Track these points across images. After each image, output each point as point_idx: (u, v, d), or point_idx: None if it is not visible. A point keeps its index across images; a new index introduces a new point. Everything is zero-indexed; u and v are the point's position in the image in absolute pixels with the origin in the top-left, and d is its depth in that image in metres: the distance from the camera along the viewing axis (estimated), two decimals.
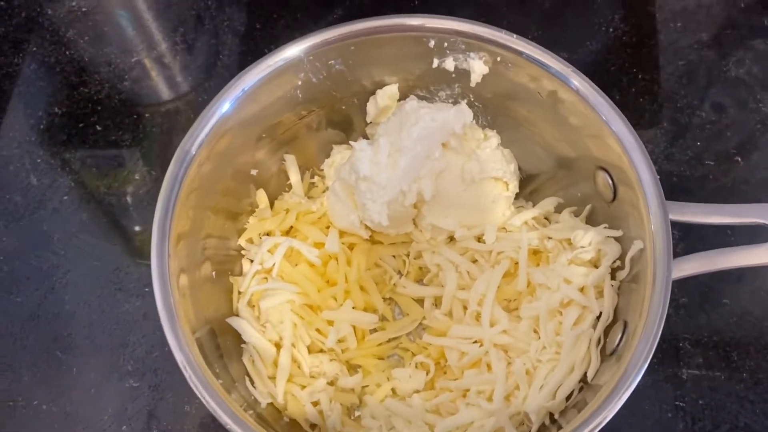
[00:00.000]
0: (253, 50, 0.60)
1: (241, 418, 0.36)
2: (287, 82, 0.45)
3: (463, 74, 0.46)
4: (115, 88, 0.59)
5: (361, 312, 0.46)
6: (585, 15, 0.62)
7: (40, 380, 0.49)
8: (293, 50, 0.42)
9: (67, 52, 0.60)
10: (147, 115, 0.58)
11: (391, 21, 0.43)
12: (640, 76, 0.59)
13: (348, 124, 0.51)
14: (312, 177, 0.52)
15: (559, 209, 0.49)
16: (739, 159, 0.55)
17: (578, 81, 0.42)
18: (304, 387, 0.44)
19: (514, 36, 0.43)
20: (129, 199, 0.55)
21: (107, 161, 0.56)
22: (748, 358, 0.48)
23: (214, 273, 0.45)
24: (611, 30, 0.61)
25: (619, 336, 0.40)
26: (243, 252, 0.49)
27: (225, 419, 0.35)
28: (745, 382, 0.48)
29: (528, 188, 0.51)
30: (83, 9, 0.62)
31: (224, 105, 0.41)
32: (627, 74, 0.59)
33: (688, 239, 0.51)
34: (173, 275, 0.38)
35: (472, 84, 0.46)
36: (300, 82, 0.45)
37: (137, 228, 0.54)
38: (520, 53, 0.43)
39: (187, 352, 0.36)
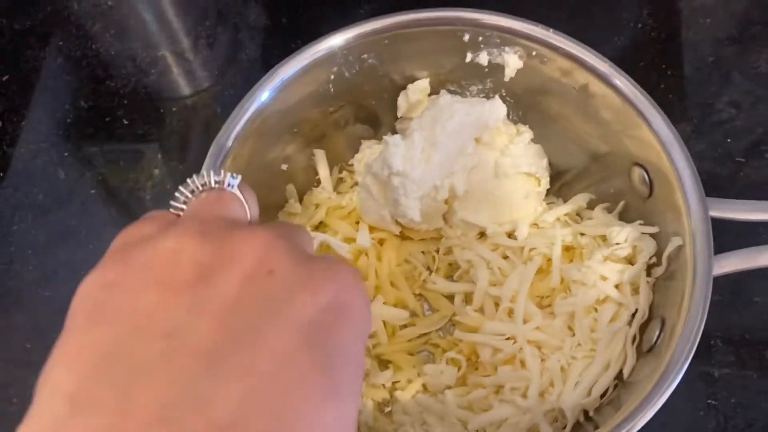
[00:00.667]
0: (278, 45, 0.60)
1: None
2: (320, 76, 0.44)
3: (496, 69, 0.46)
4: (141, 83, 0.59)
5: (392, 307, 0.46)
6: (612, 11, 0.62)
7: None
8: (329, 43, 0.42)
9: (93, 46, 0.60)
10: (174, 108, 0.58)
11: (428, 14, 0.42)
12: (669, 72, 0.58)
13: (377, 119, 0.51)
14: (340, 172, 0.52)
15: (590, 205, 0.48)
16: None
17: (615, 75, 0.42)
18: None
19: (551, 30, 0.42)
20: (155, 192, 0.55)
21: (133, 155, 0.56)
22: None
23: None
24: (639, 26, 0.61)
25: (657, 333, 0.39)
26: None
27: None
28: None
29: (558, 183, 0.51)
30: (109, 3, 0.62)
31: (263, 95, 0.41)
32: (656, 70, 0.59)
33: (719, 237, 0.50)
34: None
35: (506, 79, 0.46)
36: (333, 76, 0.45)
37: None
38: (556, 48, 0.43)
39: None
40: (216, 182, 0.26)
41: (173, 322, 0.20)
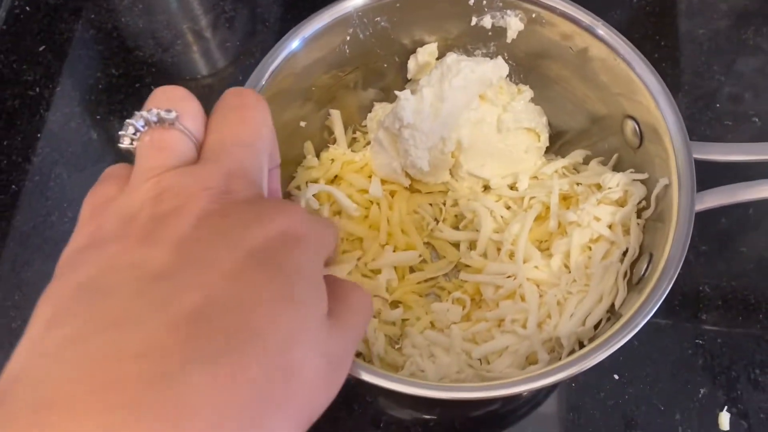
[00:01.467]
0: (297, 19, 0.64)
1: None
2: (337, 37, 0.48)
3: (499, 32, 0.50)
4: (168, 54, 0.63)
5: (403, 252, 0.50)
6: None
7: None
8: (349, 3, 0.46)
9: (123, 20, 0.65)
10: (198, 82, 0.62)
11: None
12: (662, 44, 0.62)
13: (387, 82, 0.55)
14: (354, 132, 0.56)
15: (586, 162, 0.52)
16: (757, 120, 0.58)
17: (609, 35, 0.45)
18: None
19: None
20: None
21: None
22: (764, 300, 0.52)
23: None
24: (635, 1, 0.65)
25: (645, 266, 0.43)
26: (292, 198, 0.52)
27: None
28: (761, 322, 0.51)
29: (557, 144, 0.54)
30: None
31: (285, 52, 0.45)
32: (650, 42, 0.62)
33: (704, 180, 0.54)
34: None
35: (508, 40, 0.50)
36: (348, 38, 0.49)
37: None
38: (554, 9, 0.46)
39: None
40: (155, 121, 0.26)
41: (135, 258, 0.22)
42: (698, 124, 0.58)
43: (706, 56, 0.61)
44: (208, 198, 0.24)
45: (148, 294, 0.21)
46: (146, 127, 0.26)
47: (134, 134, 0.26)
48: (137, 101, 0.60)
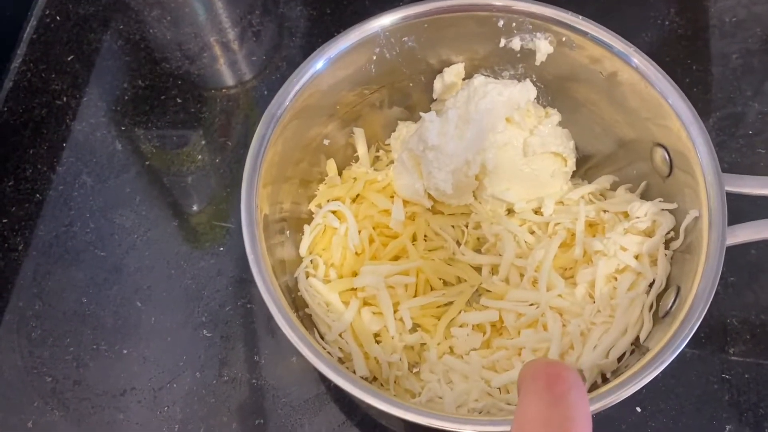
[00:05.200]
0: (323, 34, 0.64)
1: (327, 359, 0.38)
2: (363, 56, 0.48)
3: (528, 54, 0.49)
4: (194, 66, 0.63)
5: (430, 296, 0.49)
6: (641, 8, 0.65)
7: (121, 327, 0.52)
8: (376, 23, 0.46)
9: (151, 31, 0.65)
10: (224, 93, 0.62)
11: (467, 0, 0.46)
12: (694, 68, 0.61)
13: (412, 101, 0.54)
14: (377, 151, 0.56)
15: (614, 187, 0.51)
16: None
17: (640, 61, 0.44)
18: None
19: (580, 17, 0.45)
20: (203, 168, 0.58)
21: (186, 131, 0.60)
22: None
23: (288, 232, 0.49)
24: (666, 23, 0.64)
25: (672, 300, 0.42)
26: (313, 215, 0.52)
27: (313, 358, 0.38)
28: None
29: (584, 167, 0.53)
30: None
31: (311, 70, 0.44)
32: (681, 65, 0.61)
33: (735, 212, 0.52)
34: (259, 231, 0.42)
35: (537, 63, 0.49)
36: (375, 57, 0.48)
37: (213, 195, 0.58)
38: (585, 34, 0.46)
39: (275, 295, 0.39)
40: None
41: None
42: (729, 151, 0.57)
43: (739, 81, 0.60)
44: None
45: None
46: None
47: None
48: (162, 113, 0.61)
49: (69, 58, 0.64)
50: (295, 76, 0.44)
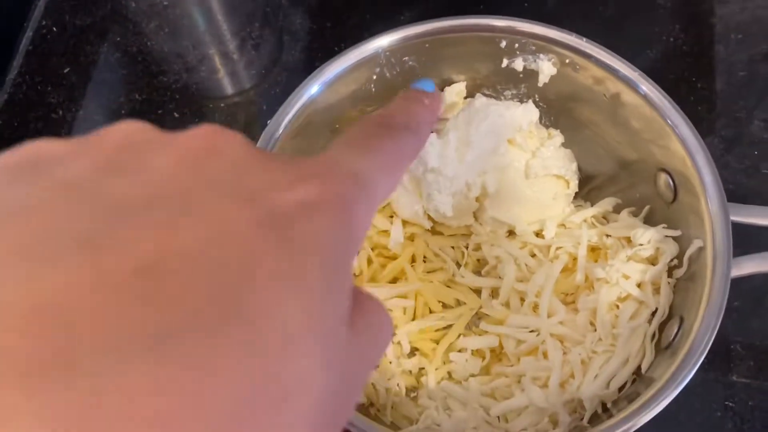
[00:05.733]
0: (323, 47, 0.63)
1: None
2: (364, 75, 0.47)
3: (531, 75, 0.48)
4: (192, 79, 0.62)
5: (429, 320, 0.48)
6: (645, 25, 0.64)
7: None
8: (376, 43, 0.45)
9: (149, 43, 0.64)
10: (221, 105, 0.61)
11: (470, 21, 0.45)
12: (698, 85, 0.60)
13: None
14: None
15: (617, 210, 0.50)
16: None
17: (645, 85, 0.44)
18: None
19: (584, 39, 0.45)
20: None
21: None
22: None
23: None
24: (671, 40, 0.63)
25: (675, 331, 0.41)
26: None
27: None
28: None
29: (586, 188, 0.52)
30: (164, 3, 0.65)
31: (312, 89, 0.44)
32: (685, 83, 0.60)
33: (742, 245, 0.52)
34: None
35: (540, 84, 0.48)
36: (375, 77, 0.48)
37: None
38: (589, 56, 0.45)
39: None
40: None
41: (91, 180, 0.15)
42: (733, 172, 0.56)
43: (745, 100, 0.59)
44: (199, 141, 0.17)
45: (86, 224, 0.13)
46: None
47: None
48: (159, 126, 0.60)
49: (65, 71, 0.63)
50: (291, 99, 0.44)
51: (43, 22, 0.65)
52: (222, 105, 0.62)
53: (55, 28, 0.65)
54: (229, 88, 0.64)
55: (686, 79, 0.60)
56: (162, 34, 0.65)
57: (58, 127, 0.60)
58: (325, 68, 0.44)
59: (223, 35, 0.66)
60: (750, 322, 0.51)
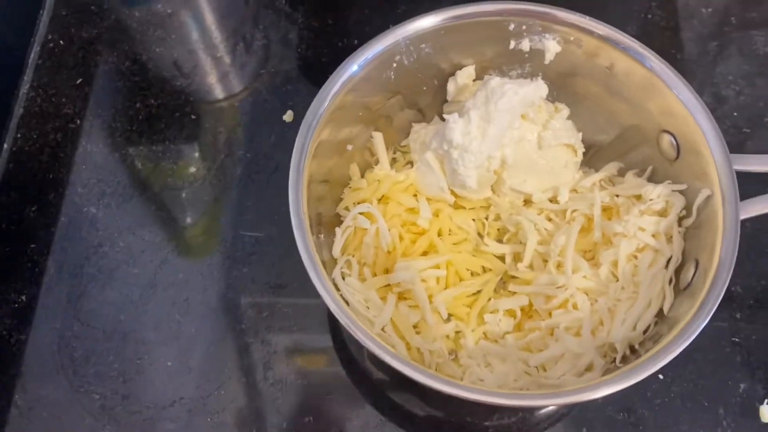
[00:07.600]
0: (327, 44, 0.66)
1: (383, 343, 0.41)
2: (385, 64, 0.50)
3: (536, 54, 0.52)
4: (204, 83, 0.65)
5: (460, 287, 0.52)
6: (624, 3, 0.69)
7: (163, 340, 0.54)
8: (420, 23, 0.49)
9: (157, 50, 0.66)
10: (236, 104, 0.64)
11: (484, 7, 0.49)
12: (677, 57, 0.65)
13: (424, 104, 0.57)
14: (394, 153, 0.58)
15: (621, 173, 0.55)
16: None
17: (646, 53, 0.48)
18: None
19: (587, 18, 0.49)
20: (226, 180, 0.60)
21: (202, 145, 0.62)
22: None
23: (322, 235, 0.51)
24: (648, 16, 0.68)
25: (692, 273, 0.46)
26: (341, 220, 0.54)
27: (370, 345, 0.41)
28: None
29: (589, 154, 0.57)
30: (168, 11, 0.68)
31: (347, 74, 0.47)
32: (664, 55, 0.65)
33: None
34: (309, 238, 0.44)
35: (546, 62, 0.52)
36: (395, 65, 0.51)
37: (238, 205, 0.59)
38: (591, 32, 0.49)
39: (333, 296, 0.42)
40: None
41: None
42: None
43: (720, 67, 0.65)
44: None
45: None
46: None
47: None
48: (178, 130, 0.62)
49: (78, 81, 0.64)
50: (327, 86, 0.47)
51: (49, 36, 0.67)
52: (236, 104, 0.64)
53: (62, 41, 0.67)
54: (235, 87, 0.66)
55: (665, 51, 0.65)
56: (169, 40, 0.67)
57: (77, 136, 0.62)
58: (362, 51, 0.48)
59: (223, 40, 0.68)
60: (745, 266, 0.56)
